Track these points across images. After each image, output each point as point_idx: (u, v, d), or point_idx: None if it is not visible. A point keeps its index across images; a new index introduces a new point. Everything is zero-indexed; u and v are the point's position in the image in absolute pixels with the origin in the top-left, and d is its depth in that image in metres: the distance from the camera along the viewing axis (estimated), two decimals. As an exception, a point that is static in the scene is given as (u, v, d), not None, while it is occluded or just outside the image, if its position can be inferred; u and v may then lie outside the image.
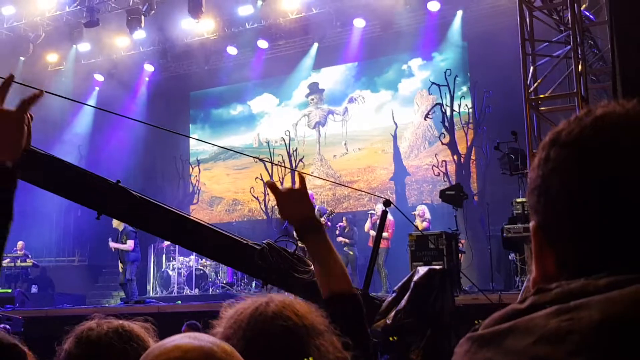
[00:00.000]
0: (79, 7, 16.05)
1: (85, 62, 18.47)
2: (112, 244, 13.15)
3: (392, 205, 3.32)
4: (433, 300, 4.19)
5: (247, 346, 1.48)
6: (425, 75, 17.05)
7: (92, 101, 18.91)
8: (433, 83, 15.54)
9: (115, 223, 12.49)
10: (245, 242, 3.27)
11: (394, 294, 4.21)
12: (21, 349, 1.72)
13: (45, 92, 1.63)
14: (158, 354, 1.02)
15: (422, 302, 4.04)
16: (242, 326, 1.55)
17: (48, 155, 2.31)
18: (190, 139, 20.01)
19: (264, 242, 3.48)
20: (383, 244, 11.86)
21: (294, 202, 2.14)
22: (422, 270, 4.19)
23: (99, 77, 18.90)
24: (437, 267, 3.70)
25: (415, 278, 4.18)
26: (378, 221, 12.30)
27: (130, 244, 12.92)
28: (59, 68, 18.62)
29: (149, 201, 2.74)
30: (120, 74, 18.67)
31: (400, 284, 4.08)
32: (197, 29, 17.04)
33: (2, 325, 8.53)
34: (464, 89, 16.07)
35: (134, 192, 2.65)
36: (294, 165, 17.83)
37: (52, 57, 18.34)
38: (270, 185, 2.19)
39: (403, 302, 3.99)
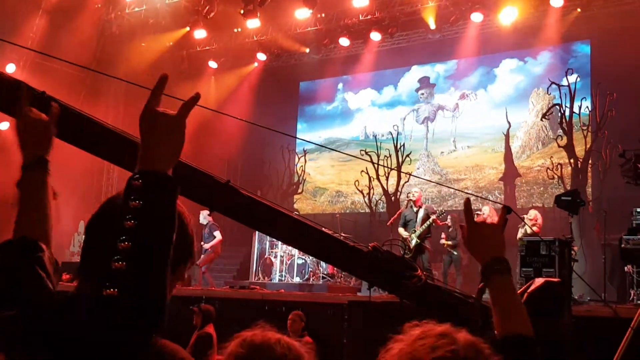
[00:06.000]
0: (196, -5, 16.47)
1: (200, 49, 18.91)
2: (207, 246, 13.59)
3: (511, 212, 3.12)
4: (546, 315, 3.91)
5: None
6: (542, 73, 16.42)
7: (211, 86, 19.51)
8: (552, 82, 14.86)
9: (200, 219, 13.18)
10: (352, 244, 3.15)
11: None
12: None
13: (200, 105, 1.55)
14: None
15: (535, 315, 3.75)
16: None
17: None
18: (298, 128, 20.20)
19: (370, 245, 3.34)
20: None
21: (485, 237, 1.99)
22: (538, 281, 3.90)
23: (213, 64, 19.32)
24: (555, 279, 3.46)
25: (530, 289, 3.90)
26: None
27: (218, 236, 13.63)
28: (175, 53, 19.15)
29: (257, 201, 2.70)
30: (233, 62, 19.03)
31: (514, 294, 3.82)
32: (310, 19, 17.08)
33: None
34: (585, 89, 15.28)
35: (242, 192, 2.62)
36: (400, 160, 17.60)
37: (169, 43, 18.89)
38: (468, 208, 2.05)
39: (514, 314, 3.71)
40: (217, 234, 13.53)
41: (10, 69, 15.70)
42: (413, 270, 3.68)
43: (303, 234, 2.97)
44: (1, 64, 15.37)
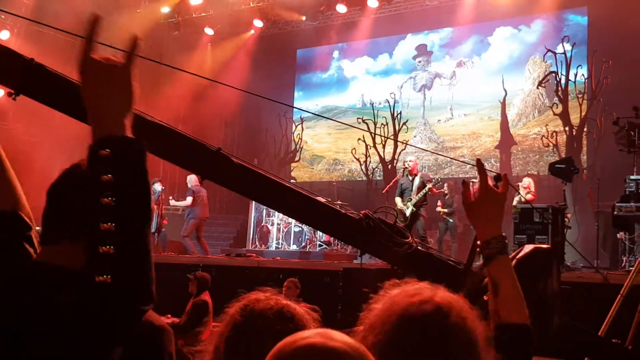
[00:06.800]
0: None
1: (196, 16, 18.76)
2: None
3: (501, 179, 3.15)
4: (536, 281, 3.97)
5: (392, 345, 1.36)
6: (537, 41, 16.32)
7: (207, 54, 19.37)
8: (548, 50, 14.81)
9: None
10: (344, 211, 3.19)
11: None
12: (170, 330, 1.79)
13: (190, 73, 1.49)
14: (291, 354, 1.01)
15: (522, 282, 3.82)
16: (390, 322, 1.40)
17: (153, 122, 2.32)
18: (295, 96, 20.15)
19: (361, 212, 3.39)
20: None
21: (492, 206, 1.95)
22: (527, 248, 3.96)
23: (209, 31, 19.18)
24: (544, 246, 3.51)
25: (519, 255, 3.97)
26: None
27: (188, 201, 13.50)
28: (171, 21, 19.02)
29: (247, 168, 2.72)
30: (229, 29, 18.89)
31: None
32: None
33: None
34: (580, 57, 15.21)
35: (234, 159, 2.64)
36: (397, 128, 17.58)
37: (164, 10, 18.74)
38: (481, 169, 2.00)
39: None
40: (188, 200, 13.52)
41: (4, 35, 15.60)
42: (403, 237, 3.73)
43: (294, 201, 3.01)
44: (-5, 31, 15.28)
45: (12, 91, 2.29)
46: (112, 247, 1.26)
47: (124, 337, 1.34)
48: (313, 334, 1.03)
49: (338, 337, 1.03)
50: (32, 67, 2.34)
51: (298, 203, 2.99)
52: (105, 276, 1.25)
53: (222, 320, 1.76)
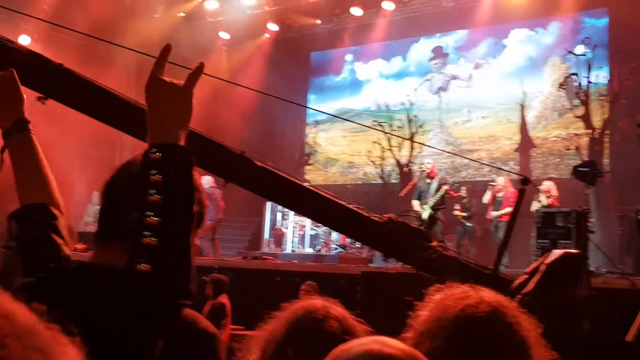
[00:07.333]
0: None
1: (211, 20, 18.77)
2: None
3: (530, 183, 3.05)
4: (565, 286, 3.87)
5: (452, 349, 1.39)
6: (555, 43, 16.14)
7: (222, 58, 19.36)
8: (569, 52, 14.62)
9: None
10: (367, 214, 3.11)
11: (525, 276, 3.96)
12: (220, 338, 1.79)
13: (205, 74, 1.60)
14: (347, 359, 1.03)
15: (552, 287, 3.74)
16: (446, 325, 1.42)
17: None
18: (309, 100, 20.09)
19: (385, 216, 3.30)
20: (504, 218, 11.43)
21: None
22: (556, 253, 3.85)
23: (225, 35, 19.18)
24: (574, 250, 3.41)
25: (548, 260, 3.86)
26: (507, 196, 11.83)
27: None
28: (187, 24, 19.02)
29: (270, 171, 2.68)
30: (244, 33, 18.87)
31: (532, 265, 3.82)
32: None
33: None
34: (600, 59, 15.00)
35: (257, 163, 2.59)
36: (412, 131, 17.46)
37: (181, 14, 18.76)
38: None
39: (531, 285, 3.71)
40: None
41: (25, 40, 15.66)
42: (428, 241, 3.64)
43: (318, 205, 2.94)
44: (15, 35, 15.31)
45: (42, 95, 2.40)
46: (155, 239, 1.35)
47: (163, 330, 1.37)
48: (369, 341, 1.05)
49: (394, 344, 1.05)
50: (61, 71, 2.38)
51: (322, 205, 2.92)
52: (145, 265, 1.33)
53: (271, 323, 1.69)
